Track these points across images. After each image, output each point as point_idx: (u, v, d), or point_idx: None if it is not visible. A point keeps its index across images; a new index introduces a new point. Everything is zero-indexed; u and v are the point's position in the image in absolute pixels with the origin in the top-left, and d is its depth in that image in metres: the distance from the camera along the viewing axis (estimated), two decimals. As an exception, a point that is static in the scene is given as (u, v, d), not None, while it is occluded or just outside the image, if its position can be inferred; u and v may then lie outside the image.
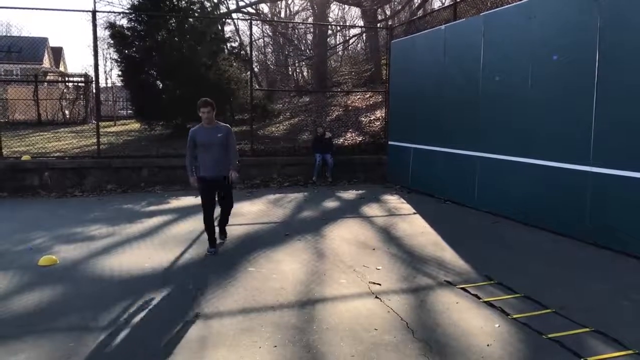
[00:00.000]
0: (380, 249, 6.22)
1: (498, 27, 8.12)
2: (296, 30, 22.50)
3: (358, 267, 5.47)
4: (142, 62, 13.93)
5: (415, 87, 10.59)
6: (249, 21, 14.57)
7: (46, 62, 40.35)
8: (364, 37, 22.16)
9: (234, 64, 15.09)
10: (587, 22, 6.45)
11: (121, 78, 15.18)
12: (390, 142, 11.85)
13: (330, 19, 23.84)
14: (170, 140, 13.57)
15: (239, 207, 8.53)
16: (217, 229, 6.15)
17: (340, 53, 23.48)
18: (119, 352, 3.49)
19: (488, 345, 3.62)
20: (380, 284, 4.91)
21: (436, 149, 9.82)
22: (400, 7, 20.86)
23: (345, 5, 23.95)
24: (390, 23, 18.53)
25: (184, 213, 8.21)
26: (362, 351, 3.51)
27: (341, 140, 13.96)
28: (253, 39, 14.98)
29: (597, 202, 6.38)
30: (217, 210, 6.12)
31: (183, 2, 14.51)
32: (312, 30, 21.62)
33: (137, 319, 4.06)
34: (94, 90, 13.80)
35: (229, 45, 16.41)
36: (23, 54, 33.99)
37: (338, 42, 24.16)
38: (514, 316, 4.11)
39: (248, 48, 15.00)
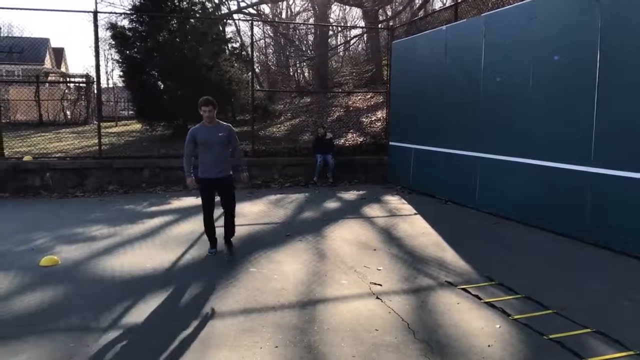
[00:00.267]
0: (381, 249, 6.22)
1: (499, 27, 8.12)
2: (297, 31, 22.51)
3: (359, 267, 5.47)
4: (144, 62, 13.96)
5: (417, 88, 10.59)
6: (250, 22, 14.58)
7: (48, 63, 40.38)
8: (365, 38, 22.17)
9: (235, 64, 15.12)
10: (588, 22, 6.45)
11: (122, 79, 15.23)
12: (391, 143, 11.85)
13: (331, 20, 23.86)
14: (171, 141, 13.59)
15: (240, 208, 8.53)
16: (220, 230, 5.99)
17: (341, 54, 23.49)
18: (120, 352, 3.50)
19: (489, 346, 3.62)
20: (381, 285, 4.91)
21: (437, 149, 9.82)
22: (401, 8, 20.87)
23: (347, 6, 23.96)
24: (391, 24, 18.54)
25: (185, 213, 8.22)
26: (363, 352, 3.52)
27: (342, 140, 13.97)
28: (254, 40, 15.01)
29: (598, 203, 6.37)
30: (217, 212, 6.12)
31: (184, 2, 14.53)
32: (313, 30, 21.63)
33: (138, 319, 4.06)
34: (96, 91, 13.83)
35: (230, 46, 16.44)
36: (25, 55, 34.02)
37: (339, 43, 24.18)
38: (515, 317, 4.11)
39: (249, 49, 15.03)
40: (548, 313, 4.20)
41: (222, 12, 18.90)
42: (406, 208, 8.97)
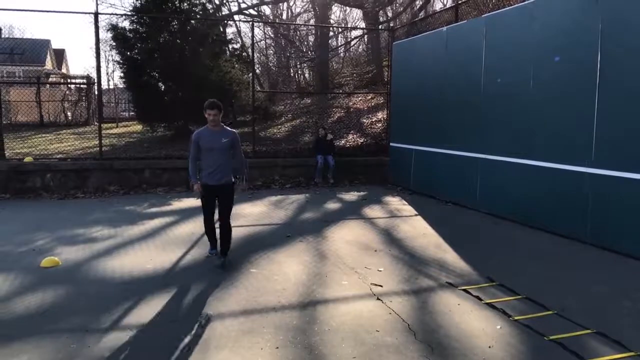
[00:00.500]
0: (381, 250, 6.22)
1: (500, 28, 8.12)
2: (298, 32, 22.52)
3: (360, 268, 5.47)
4: (144, 63, 13.97)
5: (417, 89, 10.60)
6: (250, 23, 14.58)
7: (48, 64, 40.43)
8: (366, 39, 22.19)
9: (236, 65, 15.13)
10: (588, 23, 6.45)
11: (123, 80, 15.26)
12: (391, 144, 11.85)
13: (332, 21, 23.88)
14: (172, 142, 13.61)
15: (241, 209, 8.54)
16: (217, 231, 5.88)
17: (342, 55, 23.49)
18: (121, 353, 3.50)
19: (490, 347, 3.62)
20: (381, 286, 4.91)
21: (438, 150, 9.82)
22: (401, 9, 20.88)
23: (347, 7, 23.98)
24: (391, 25, 18.54)
25: (185, 214, 8.22)
26: (364, 353, 3.52)
27: (343, 141, 13.98)
28: (255, 41, 15.01)
29: (599, 204, 6.37)
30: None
31: (185, 4, 14.55)
32: (313, 32, 21.63)
33: (138, 320, 4.06)
34: (96, 92, 13.81)
35: (230, 47, 16.46)
36: (25, 56, 34.06)
37: (340, 44, 24.19)
38: (516, 318, 4.11)
39: (250, 50, 15.03)
40: (549, 314, 4.20)
41: (223, 13, 18.94)
42: (407, 209, 8.97)
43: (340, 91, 19.44)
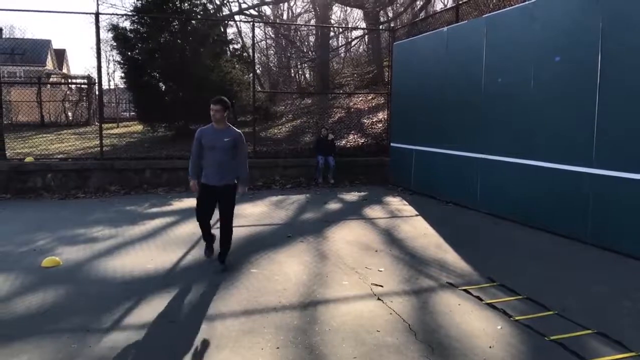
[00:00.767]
0: (382, 250, 6.23)
1: (500, 29, 8.13)
2: (298, 32, 22.52)
3: (360, 268, 5.47)
4: (145, 64, 13.98)
5: (418, 89, 10.60)
6: (251, 23, 14.58)
7: (49, 64, 40.46)
8: (366, 39, 22.19)
9: (237, 66, 15.14)
10: (589, 23, 6.45)
11: (124, 80, 15.27)
12: (392, 144, 11.85)
13: (332, 21, 23.87)
14: (172, 142, 13.62)
15: (242, 209, 8.54)
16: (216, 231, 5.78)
17: (342, 55, 23.50)
18: (122, 353, 3.50)
19: (490, 347, 3.62)
20: (382, 286, 4.91)
21: (438, 150, 9.82)
22: (402, 9, 20.89)
23: (348, 7, 23.98)
24: (392, 25, 18.54)
25: (186, 215, 8.22)
26: (365, 353, 3.52)
27: (343, 142, 13.98)
28: (255, 41, 15.00)
29: (599, 204, 6.37)
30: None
31: (186, 4, 14.56)
32: (314, 32, 21.63)
33: (139, 320, 4.07)
34: (97, 92, 13.83)
35: (231, 47, 16.46)
36: (26, 56, 34.07)
37: (340, 44, 24.19)
38: (516, 318, 4.11)
39: (250, 50, 15.04)
40: (549, 314, 4.20)
41: (224, 13, 18.93)
42: (407, 209, 8.97)
43: (341, 91, 19.44)
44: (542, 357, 3.50)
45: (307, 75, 24.96)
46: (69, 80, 27.18)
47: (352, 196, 10.39)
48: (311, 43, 22.96)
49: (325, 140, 12.03)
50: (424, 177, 10.43)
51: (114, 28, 13.95)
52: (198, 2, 14.93)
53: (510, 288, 4.83)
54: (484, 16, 8.80)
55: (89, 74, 28.63)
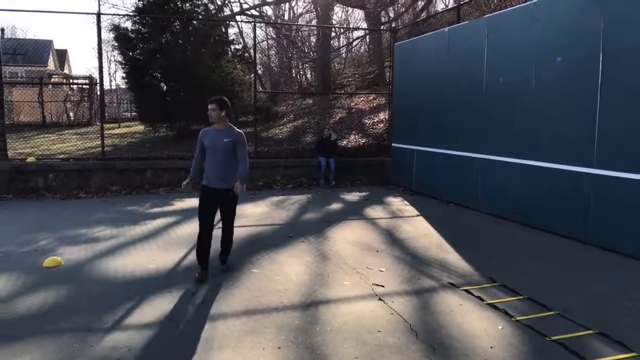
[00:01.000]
0: (383, 251, 6.23)
1: (501, 29, 8.12)
2: (300, 33, 22.53)
3: (361, 269, 5.47)
4: (146, 64, 13.99)
5: (419, 89, 10.60)
6: (252, 24, 14.59)
7: (51, 65, 40.50)
8: (368, 39, 22.19)
9: (238, 66, 15.14)
10: (590, 23, 6.45)
11: (125, 80, 15.28)
12: (393, 144, 11.85)
13: (333, 21, 23.88)
14: (174, 142, 13.63)
15: (243, 209, 8.55)
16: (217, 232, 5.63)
17: (343, 55, 23.50)
18: (123, 353, 3.51)
19: (491, 347, 3.62)
20: (383, 286, 4.92)
21: (439, 151, 9.82)
22: (403, 10, 20.89)
23: (349, 8, 23.99)
24: (393, 25, 18.54)
25: (187, 215, 8.23)
26: (366, 353, 3.52)
27: (344, 142, 13.98)
28: (257, 42, 15.01)
29: (600, 204, 6.37)
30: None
31: (187, 4, 14.57)
32: (315, 32, 21.64)
33: (141, 320, 4.07)
34: (99, 92, 13.86)
35: (232, 47, 16.47)
36: (28, 57, 34.11)
37: (342, 44, 24.19)
38: (518, 318, 4.11)
39: (252, 50, 15.03)
40: (550, 314, 4.20)
41: (225, 13, 18.95)
42: (408, 209, 8.97)
43: (342, 92, 19.44)
44: (543, 357, 3.50)
45: (309, 76, 24.97)
46: (71, 81, 27.21)
47: (353, 196, 10.39)
48: (312, 43, 22.96)
49: (327, 141, 12.00)
50: (425, 177, 10.43)
51: (116, 28, 13.96)
52: (199, 2, 14.94)
53: (511, 288, 4.83)
54: (485, 16, 8.80)
55: (90, 74, 28.68)
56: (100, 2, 18.68)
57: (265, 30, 23.91)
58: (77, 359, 3.41)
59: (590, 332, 3.85)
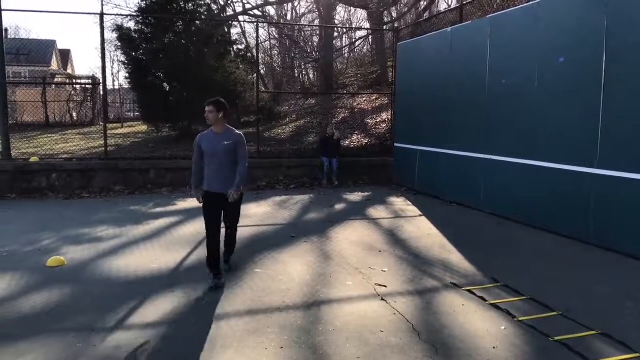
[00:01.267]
0: (386, 251, 6.23)
1: (504, 29, 8.11)
2: (302, 33, 22.54)
3: (364, 269, 5.47)
4: (149, 64, 14.01)
5: (422, 89, 10.59)
6: (255, 24, 14.60)
7: (54, 65, 40.60)
8: (370, 40, 22.19)
9: (241, 66, 15.15)
10: (593, 22, 6.44)
11: (128, 80, 15.29)
12: (396, 144, 11.85)
13: (336, 21, 23.87)
14: (177, 142, 13.64)
15: (246, 209, 8.53)
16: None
17: (346, 55, 23.50)
18: (126, 353, 3.51)
19: (494, 347, 3.61)
20: (386, 286, 4.92)
21: (442, 151, 9.81)
22: (406, 10, 20.87)
23: (352, 8, 23.99)
24: (396, 25, 18.54)
25: (190, 215, 8.24)
26: (368, 353, 3.52)
27: (347, 142, 13.97)
28: (259, 42, 15.02)
29: (603, 204, 6.35)
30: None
31: (190, 4, 14.58)
32: (318, 32, 21.65)
33: (144, 320, 4.08)
34: (102, 92, 13.88)
35: (235, 47, 16.48)
36: (31, 57, 34.23)
37: (344, 44, 24.20)
38: (520, 319, 4.11)
39: (254, 50, 15.05)
40: (553, 315, 4.20)
41: (228, 14, 18.97)
42: (411, 209, 8.97)
43: (345, 92, 19.44)
44: (546, 357, 3.49)
45: (311, 76, 24.98)
46: (74, 81, 27.27)
47: (355, 196, 10.39)
48: (315, 43, 22.97)
49: (330, 140, 11.98)
50: (428, 178, 10.42)
51: (119, 28, 13.99)
52: (202, 2, 14.95)
53: (514, 288, 4.83)
54: (488, 16, 8.79)
55: (93, 74, 28.74)
56: (104, 2, 18.73)
57: (268, 30, 23.94)
58: (81, 358, 3.42)
59: (593, 332, 3.85)
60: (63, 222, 7.69)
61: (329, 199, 9.95)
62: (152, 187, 10.83)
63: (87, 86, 22.74)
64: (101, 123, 16.05)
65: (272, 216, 8.28)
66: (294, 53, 22.98)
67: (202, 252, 6.06)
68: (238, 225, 5.36)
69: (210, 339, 3.74)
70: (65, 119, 21.81)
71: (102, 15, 11.10)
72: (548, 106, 7.18)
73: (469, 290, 4.79)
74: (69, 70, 44.20)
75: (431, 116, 10.16)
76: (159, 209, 8.82)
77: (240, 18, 20.54)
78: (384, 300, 4.55)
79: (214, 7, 15.83)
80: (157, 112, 14.24)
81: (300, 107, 19.54)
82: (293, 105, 20.14)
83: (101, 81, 11.92)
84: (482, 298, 4.59)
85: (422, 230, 7.32)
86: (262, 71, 21.09)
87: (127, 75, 14.99)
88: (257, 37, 13.41)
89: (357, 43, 23.65)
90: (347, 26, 25.17)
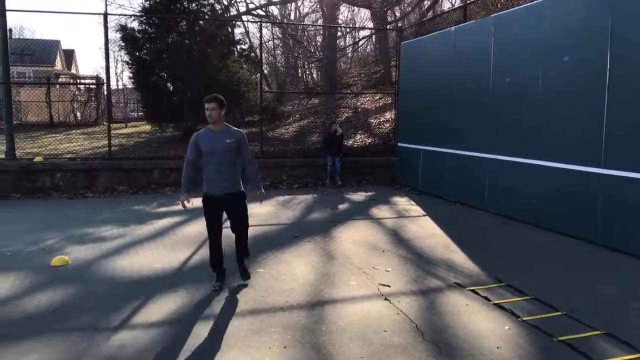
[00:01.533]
0: (389, 250, 6.22)
1: (508, 28, 8.09)
2: (306, 32, 22.53)
3: (367, 268, 5.47)
4: (153, 64, 14.04)
5: (425, 89, 10.57)
6: (258, 23, 14.61)
7: (58, 65, 40.73)
8: (374, 39, 22.16)
9: (244, 66, 15.17)
10: (597, 21, 6.41)
11: (132, 80, 15.34)
12: (399, 144, 11.83)
13: (339, 21, 23.86)
14: (180, 142, 13.64)
15: (249, 209, 8.52)
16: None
17: (349, 55, 23.48)
18: (130, 352, 3.52)
19: (498, 347, 3.60)
20: (389, 286, 4.91)
21: (446, 150, 9.79)
22: (410, 9, 20.84)
23: (355, 7, 23.96)
24: (399, 25, 18.52)
25: (193, 214, 8.22)
26: (372, 353, 3.52)
27: (350, 142, 13.97)
28: (263, 41, 15.04)
29: (608, 204, 6.33)
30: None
31: (193, 4, 14.61)
32: (321, 32, 21.65)
33: (148, 319, 4.09)
34: (105, 92, 13.91)
35: (239, 47, 16.48)
36: (36, 57, 34.32)
37: (348, 44, 24.18)
38: (524, 318, 4.09)
39: (258, 50, 15.06)
40: (557, 315, 4.18)
41: (231, 13, 18.98)
42: (415, 209, 8.95)
43: (348, 91, 19.43)
44: (550, 357, 3.48)
45: (315, 75, 24.97)
46: (78, 81, 27.35)
47: (359, 196, 10.38)
48: (318, 43, 22.96)
49: (334, 137, 11.94)
50: (432, 177, 10.40)
51: (122, 28, 14.02)
52: (206, 2, 14.98)
53: (518, 288, 4.81)
54: (491, 15, 8.77)
55: (97, 74, 28.84)
56: (107, 3, 18.78)
57: (272, 30, 23.94)
58: (85, 358, 3.43)
59: (598, 332, 3.83)
60: (67, 221, 7.71)
61: (332, 199, 9.95)
62: (155, 187, 10.85)
63: (91, 86, 22.81)
64: (105, 123, 16.09)
65: (275, 216, 8.28)
66: (297, 53, 22.98)
67: (205, 252, 6.04)
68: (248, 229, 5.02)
69: (213, 338, 3.74)
70: (69, 118, 21.87)
71: (105, 15, 11.13)
72: (552, 105, 7.16)
73: (472, 290, 4.78)
74: (73, 70, 44.32)
75: (435, 116, 10.14)
76: (162, 209, 8.84)
77: (244, 18, 20.54)
78: (387, 300, 4.54)
79: (218, 6, 15.84)
80: (160, 111, 14.27)
81: (303, 107, 19.54)
82: (296, 105, 20.14)
83: (105, 81, 11.94)
84: (486, 298, 4.57)
85: (425, 230, 7.31)
86: (265, 71, 21.10)
87: (130, 75, 15.06)
88: (261, 36, 13.43)
89: (360, 42, 23.64)
90: (351, 26, 25.16)
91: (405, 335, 3.79)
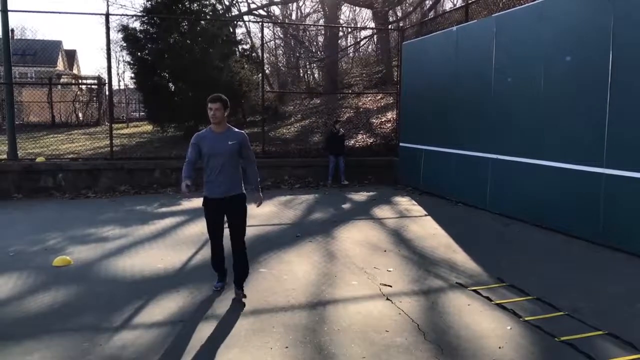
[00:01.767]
0: (391, 250, 6.22)
1: (510, 28, 8.08)
2: (307, 32, 22.54)
3: (369, 268, 5.47)
4: (155, 64, 14.06)
5: (427, 89, 10.57)
6: (260, 23, 14.61)
7: (60, 65, 40.79)
8: (375, 39, 22.16)
9: (246, 66, 15.18)
10: (599, 21, 6.40)
11: (134, 80, 15.36)
12: (401, 144, 11.83)
13: (341, 21, 23.87)
14: (182, 142, 13.65)
15: (250, 209, 8.53)
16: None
17: (351, 55, 23.49)
18: (132, 352, 3.52)
19: (500, 347, 3.60)
20: (391, 286, 4.91)
21: (448, 150, 9.79)
22: (411, 9, 20.83)
23: (357, 7, 23.97)
24: (401, 25, 18.50)
25: (195, 214, 8.25)
26: (374, 353, 3.51)
27: (352, 142, 13.96)
28: (264, 41, 15.03)
29: (611, 204, 6.32)
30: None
31: (195, 4, 14.62)
32: (323, 32, 21.64)
33: (149, 319, 4.09)
34: (107, 93, 13.94)
35: (240, 47, 16.51)
36: (37, 57, 34.40)
37: (349, 44, 24.18)
38: (526, 319, 4.09)
39: (259, 50, 15.07)
40: (560, 315, 4.18)
41: (233, 13, 18.99)
42: (416, 209, 8.95)
43: (350, 91, 19.43)
44: (552, 357, 3.48)
45: (316, 75, 24.98)
46: (80, 81, 27.39)
47: (360, 196, 10.38)
48: (320, 43, 22.97)
49: (336, 136, 11.92)
50: (433, 177, 10.40)
51: (124, 29, 14.04)
52: (207, 2, 14.99)
53: (520, 288, 4.81)
54: (493, 15, 8.75)
55: (99, 75, 28.87)
56: (109, 3, 18.79)
57: (273, 30, 23.96)
58: (87, 357, 3.43)
59: (600, 332, 3.83)
60: (69, 222, 7.72)
61: (334, 199, 9.95)
62: (157, 187, 10.86)
63: (93, 86, 22.85)
64: (107, 123, 16.11)
65: (277, 216, 8.28)
66: (298, 53, 22.99)
67: (207, 252, 6.05)
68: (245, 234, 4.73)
69: (215, 338, 3.74)
70: (71, 119, 21.92)
71: (107, 15, 11.14)
72: (554, 105, 7.14)
73: (474, 290, 4.78)
74: (75, 71, 44.38)
75: (436, 115, 10.14)
76: (164, 209, 8.85)
77: (245, 18, 20.55)
78: (389, 300, 4.54)
79: (219, 7, 15.82)
80: (162, 112, 14.29)
81: (305, 107, 19.55)
82: (298, 104, 20.15)
83: (107, 81, 11.96)
84: (487, 298, 4.57)
85: (427, 230, 7.30)
86: (267, 71, 21.11)
87: (132, 75, 15.06)
88: (262, 36, 13.42)
89: (362, 42, 23.64)
90: (352, 26, 25.17)
91: (407, 336, 3.79)
